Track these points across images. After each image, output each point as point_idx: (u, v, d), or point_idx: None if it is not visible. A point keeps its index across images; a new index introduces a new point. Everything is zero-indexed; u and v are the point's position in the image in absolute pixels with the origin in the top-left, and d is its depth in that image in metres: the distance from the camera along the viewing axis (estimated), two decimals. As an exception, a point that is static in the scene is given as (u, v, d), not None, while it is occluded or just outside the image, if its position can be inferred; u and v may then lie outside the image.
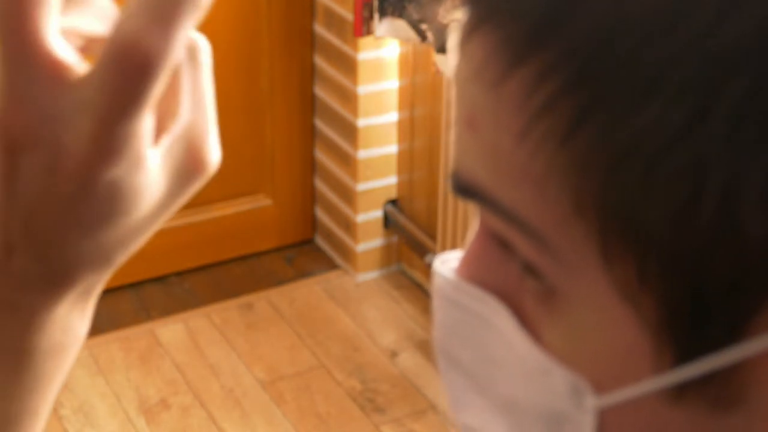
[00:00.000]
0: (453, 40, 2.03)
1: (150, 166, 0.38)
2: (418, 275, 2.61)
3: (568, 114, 0.34)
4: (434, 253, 2.44)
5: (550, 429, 0.40)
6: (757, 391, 0.35)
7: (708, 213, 0.32)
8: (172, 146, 0.40)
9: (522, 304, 0.40)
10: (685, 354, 0.35)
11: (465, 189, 0.38)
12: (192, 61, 0.44)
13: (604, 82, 0.33)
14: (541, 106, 0.34)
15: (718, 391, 0.35)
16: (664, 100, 0.32)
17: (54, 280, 0.41)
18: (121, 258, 0.43)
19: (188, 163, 0.40)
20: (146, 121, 0.37)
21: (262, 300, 2.57)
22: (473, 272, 0.41)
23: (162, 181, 0.39)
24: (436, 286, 0.43)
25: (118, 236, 0.40)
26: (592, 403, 0.38)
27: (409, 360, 2.38)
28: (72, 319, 0.45)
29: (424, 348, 2.42)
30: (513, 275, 0.40)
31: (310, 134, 2.68)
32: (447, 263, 0.43)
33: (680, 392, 0.36)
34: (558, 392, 0.39)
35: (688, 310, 0.34)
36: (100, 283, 0.44)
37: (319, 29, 2.55)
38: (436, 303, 0.43)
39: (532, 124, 0.35)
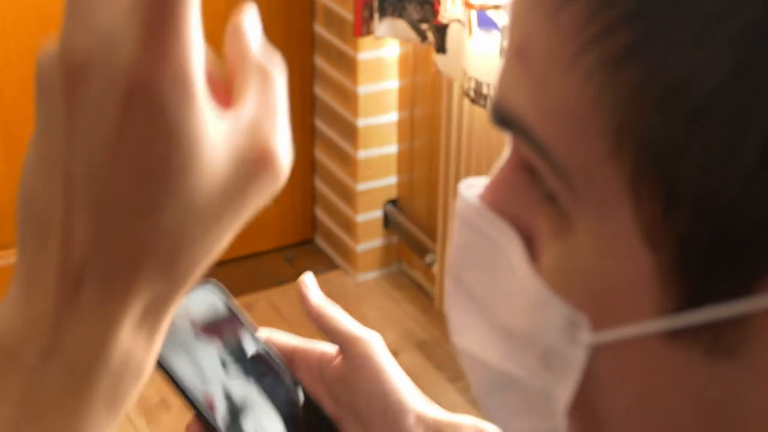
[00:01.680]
0: None
1: (206, 116, 0.38)
2: (418, 275, 2.61)
3: (622, 42, 0.34)
4: (434, 253, 2.44)
5: (540, 361, 0.40)
6: (754, 345, 0.35)
7: (746, 164, 0.33)
8: (235, 128, 0.39)
9: (536, 235, 0.40)
10: (693, 299, 0.36)
11: (504, 120, 0.39)
12: (265, 74, 0.45)
13: (664, 16, 0.33)
14: (596, 33, 0.35)
15: (716, 339, 0.36)
16: (720, 43, 0.32)
17: (114, 278, 0.39)
18: (189, 261, 0.41)
19: (252, 151, 0.40)
20: (195, 45, 0.37)
21: (262, 300, 2.57)
22: (496, 198, 0.42)
23: (222, 156, 0.38)
24: (458, 208, 0.44)
25: (179, 215, 0.38)
26: (586, 338, 0.39)
27: (409, 360, 2.38)
28: (135, 346, 0.40)
29: (424, 348, 2.42)
30: (534, 203, 0.40)
31: (310, 134, 2.68)
32: (472, 188, 0.43)
33: (678, 335, 0.36)
34: (554, 324, 0.39)
35: (706, 258, 0.35)
36: (166, 300, 0.41)
37: (319, 29, 2.55)
38: (456, 225, 0.44)
39: (584, 51, 0.35)
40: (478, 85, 2.00)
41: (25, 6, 2.26)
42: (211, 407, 0.69)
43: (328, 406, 0.70)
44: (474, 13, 1.96)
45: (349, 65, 2.46)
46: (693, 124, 0.33)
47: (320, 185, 2.72)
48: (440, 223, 2.35)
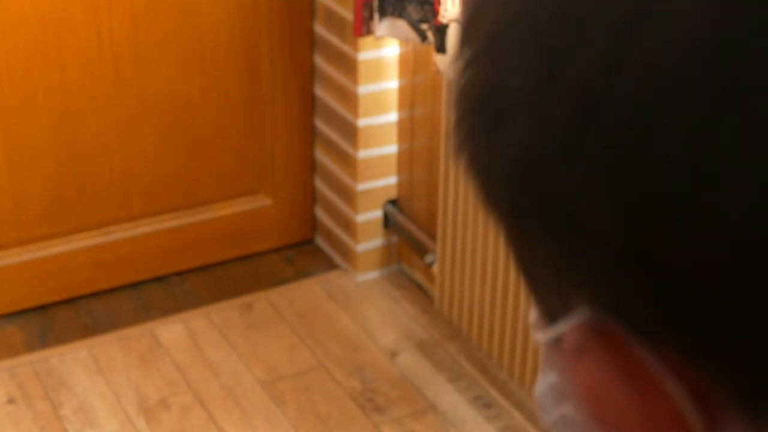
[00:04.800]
0: None
1: None
2: (418, 275, 2.61)
3: None
4: (434, 253, 2.44)
5: None
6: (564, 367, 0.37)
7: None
8: None
9: None
10: (547, 318, 0.38)
11: None
12: None
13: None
14: None
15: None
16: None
17: None
18: None
19: None
20: None
21: (262, 300, 2.57)
22: None
23: None
24: None
25: None
26: (536, 336, 0.41)
27: (409, 360, 2.38)
28: None
29: (424, 348, 2.42)
30: None
31: (310, 134, 2.68)
32: None
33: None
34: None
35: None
36: None
37: (319, 29, 2.55)
38: None
39: None
40: (478, 85, 2.00)
41: (25, 6, 2.26)
42: None
43: None
44: (474, 13, 1.96)
45: (349, 65, 2.46)
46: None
47: (320, 185, 2.72)
48: (440, 223, 2.35)
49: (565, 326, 0.36)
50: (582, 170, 0.32)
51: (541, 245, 0.34)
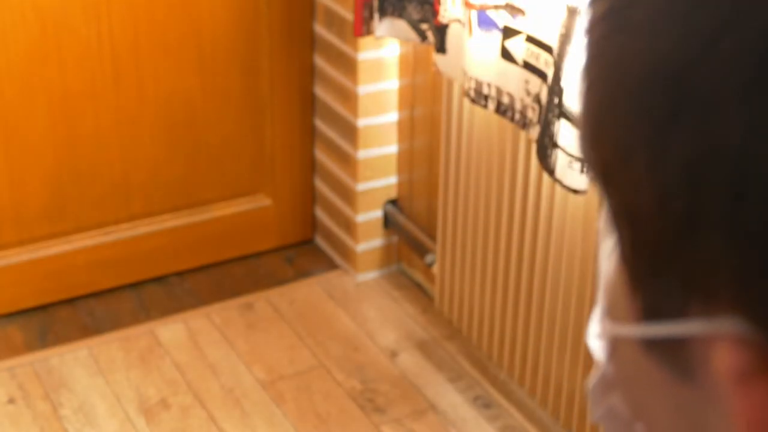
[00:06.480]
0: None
1: None
2: (418, 275, 2.61)
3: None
4: (434, 253, 2.44)
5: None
6: (701, 371, 0.35)
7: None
8: None
9: None
10: (646, 313, 0.37)
11: None
12: None
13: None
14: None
15: (675, 359, 0.36)
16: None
17: None
18: None
19: None
20: None
21: (262, 300, 2.57)
22: None
23: None
24: None
25: None
26: (608, 327, 0.41)
27: (409, 360, 2.38)
28: None
29: (424, 348, 2.42)
30: None
31: (310, 134, 2.68)
32: None
33: (650, 348, 0.37)
34: (599, 315, 0.43)
35: (649, 275, 0.36)
36: None
37: (319, 29, 2.55)
38: None
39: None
40: (478, 85, 2.00)
41: (25, 6, 2.26)
42: None
43: None
44: (474, 13, 1.96)
45: (349, 65, 2.46)
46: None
47: (320, 185, 2.72)
48: (440, 223, 2.35)
49: (691, 329, 0.34)
50: None
51: (710, 254, 0.32)
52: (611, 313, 0.40)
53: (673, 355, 0.36)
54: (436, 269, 2.43)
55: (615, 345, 0.41)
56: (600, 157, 0.36)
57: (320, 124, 2.65)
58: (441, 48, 2.08)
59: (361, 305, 2.56)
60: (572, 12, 1.70)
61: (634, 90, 0.33)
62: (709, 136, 0.31)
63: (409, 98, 2.48)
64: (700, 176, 0.31)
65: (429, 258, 2.47)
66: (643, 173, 0.33)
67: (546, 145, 1.81)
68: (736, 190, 0.31)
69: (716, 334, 0.33)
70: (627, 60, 0.34)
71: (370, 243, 2.63)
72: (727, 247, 0.31)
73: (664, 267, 0.34)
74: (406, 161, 2.55)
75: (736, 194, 0.31)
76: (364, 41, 2.40)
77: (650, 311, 0.36)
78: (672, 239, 0.33)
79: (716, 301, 0.33)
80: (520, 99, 1.91)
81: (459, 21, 2.02)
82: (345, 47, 2.46)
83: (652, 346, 0.37)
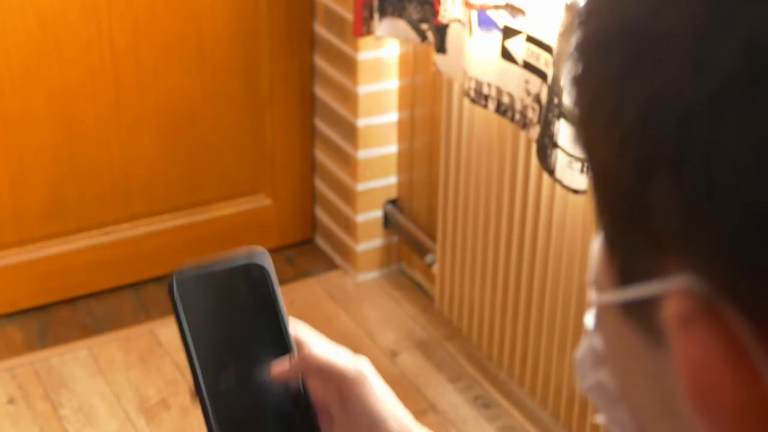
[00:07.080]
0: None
1: None
2: (418, 275, 2.61)
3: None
4: (434, 253, 2.44)
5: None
6: (666, 334, 0.35)
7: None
8: None
9: None
10: (622, 276, 0.37)
11: None
12: None
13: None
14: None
15: (649, 322, 0.36)
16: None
17: None
18: None
19: None
20: None
21: (262, 300, 2.56)
22: None
23: None
24: None
25: None
26: (594, 296, 0.42)
27: (409, 360, 2.38)
28: None
29: (424, 348, 2.42)
30: None
31: (310, 134, 2.68)
32: None
33: (627, 313, 0.38)
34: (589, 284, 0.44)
35: (624, 238, 0.37)
36: None
37: (319, 29, 2.55)
38: None
39: None
40: (478, 85, 2.00)
41: (25, 6, 2.26)
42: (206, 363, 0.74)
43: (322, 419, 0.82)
44: (474, 13, 1.96)
45: (349, 65, 2.46)
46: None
47: (320, 185, 2.72)
48: (440, 223, 2.35)
49: (653, 289, 0.35)
50: (737, 125, 0.30)
51: (661, 199, 0.33)
52: (596, 284, 0.41)
53: (646, 319, 0.36)
54: (436, 269, 2.43)
55: (600, 315, 0.42)
56: (579, 115, 0.37)
57: (320, 124, 2.65)
58: (441, 48, 2.08)
59: (361, 305, 2.56)
60: (572, 12, 1.70)
61: (602, 39, 0.35)
62: (664, 74, 0.32)
63: (409, 98, 2.48)
64: (653, 118, 0.33)
65: (429, 258, 2.47)
66: (606, 122, 0.35)
67: (546, 145, 1.81)
68: (683, 133, 0.32)
69: (671, 291, 0.34)
70: (602, 13, 0.36)
71: (370, 243, 2.63)
72: (674, 191, 0.32)
73: (627, 222, 0.35)
74: (406, 161, 2.55)
75: (683, 137, 0.32)
76: (364, 41, 2.40)
77: (624, 275, 0.37)
78: (629, 189, 0.34)
79: (673, 257, 0.34)
80: (520, 99, 1.91)
81: (459, 21, 2.02)
82: (345, 47, 2.46)
83: (627, 311, 0.38)
